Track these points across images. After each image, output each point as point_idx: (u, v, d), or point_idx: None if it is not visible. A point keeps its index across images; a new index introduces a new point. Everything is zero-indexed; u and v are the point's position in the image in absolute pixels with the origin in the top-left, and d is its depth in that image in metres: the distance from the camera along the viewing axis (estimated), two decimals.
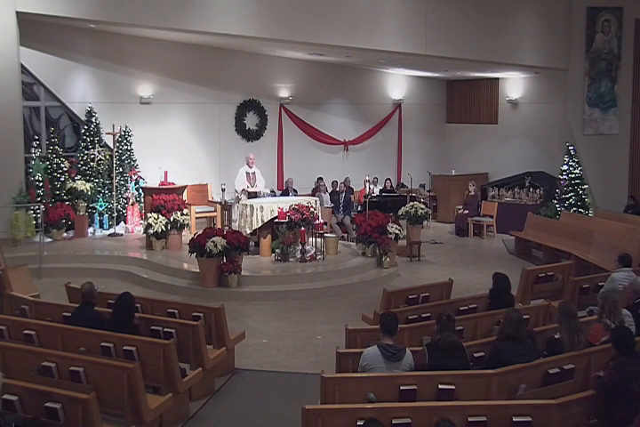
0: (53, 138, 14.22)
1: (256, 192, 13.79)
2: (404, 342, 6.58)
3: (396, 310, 7.66)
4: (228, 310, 8.31)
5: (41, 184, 13.75)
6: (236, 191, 13.80)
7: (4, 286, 8.88)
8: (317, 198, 14.04)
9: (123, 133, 14.84)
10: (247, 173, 13.79)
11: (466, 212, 16.57)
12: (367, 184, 16.22)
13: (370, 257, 12.71)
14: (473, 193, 16.85)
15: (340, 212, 15.90)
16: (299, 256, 12.21)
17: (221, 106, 16.54)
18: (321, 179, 16.77)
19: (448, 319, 5.91)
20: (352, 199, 16.45)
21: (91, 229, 14.45)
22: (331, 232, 14.70)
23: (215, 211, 14.99)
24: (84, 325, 6.81)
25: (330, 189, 16.53)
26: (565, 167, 16.20)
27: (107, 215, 14.64)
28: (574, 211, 15.65)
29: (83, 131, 14.77)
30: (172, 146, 15.70)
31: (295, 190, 15.92)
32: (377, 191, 16.88)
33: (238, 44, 15.19)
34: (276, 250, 12.36)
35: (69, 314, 7.30)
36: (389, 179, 17.95)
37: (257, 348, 8.76)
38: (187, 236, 13.00)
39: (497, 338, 6.19)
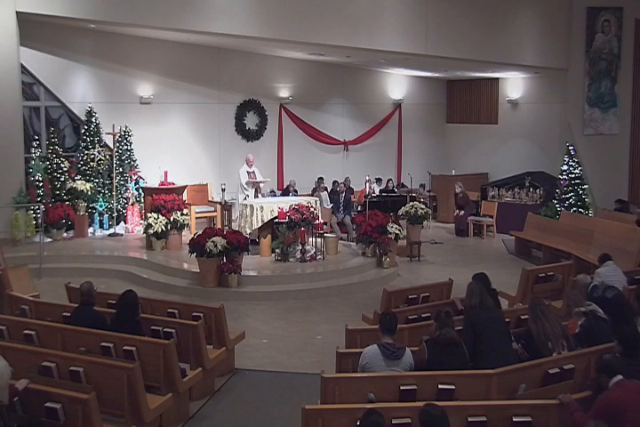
0: (53, 138, 14.21)
1: (261, 181, 13.95)
2: (404, 342, 6.58)
3: (396, 310, 7.65)
4: (228, 310, 8.31)
5: (41, 184, 13.75)
6: (244, 189, 13.75)
7: (4, 285, 8.88)
8: (317, 198, 14.05)
9: (123, 133, 14.85)
10: (248, 172, 13.88)
11: (462, 213, 16.46)
12: (367, 184, 16.19)
13: (370, 257, 12.71)
14: (461, 195, 16.59)
15: (340, 212, 15.89)
16: (299, 256, 12.22)
17: (221, 106, 16.55)
18: (321, 179, 16.76)
19: (446, 316, 6.03)
20: (352, 199, 16.44)
21: (91, 229, 14.45)
22: (331, 232, 14.70)
23: (215, 211, 15.00)
24: (84, 325, 6.81)
25: (330, 189, 16.49)
26: (565, 167, 16.19)
27: (107, 215, 14.64)
28: (574, 211, 15.64)
29: (83, 131, 14.78)
30: (172, 146, 15.70)
31: (295, 191, 15.92)
32: (377, 191, 16.88)
33: (238, 44, 15.19)
34: (276, 250, 12.36)
35: (69, 314, 7.30)
36: (391, 179, 18.01)
37: (257, 348, 8.76)
38: (187, 236, 13.01)
39: (465, 310, 6.72)
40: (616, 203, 15.26)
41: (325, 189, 16.29)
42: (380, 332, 5.88)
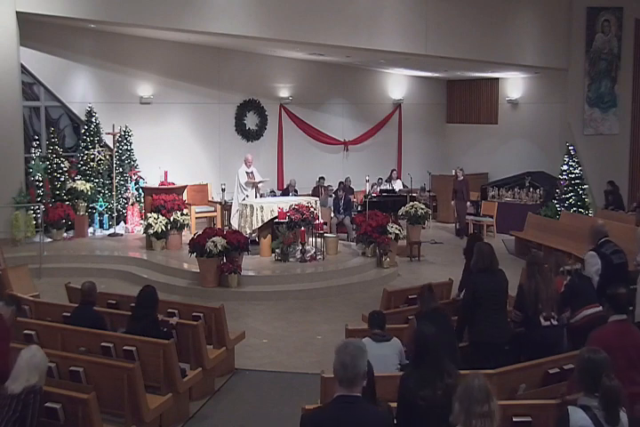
0: (53, 138, 14.21)
1: (260, 181, 13.93)
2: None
3: (396, 309, 7.66)
4: (228, 310, 8.31)
5: (41, 184, 13.75)
6: (244, 190, 13.74)
7: (4, 285, 8.88)
8: (317, 198, 14.03)
9: (123, 133, 14.85)
10: (246, 172, 13.89)
11: (468, 204, 16.17)
12: (368, 185, 16.14)
13: (370, 257, 12.71)
14: (462, 177, 16.19)
15: (340, 212, 15.88)
16: (299, 256, 12.22)
17: (221, 106, 16.54)
18: (322, 178, 16.73)
19: (429, 290, 6.28)
20: (352, 199, 16.41)
21: (91, 229, 14.45)
22: (331, 232, 14.71)
23: (215, 211, 15.00)
24: (83, 324, 6.80)
25: (334, 189, 16.42)
26: (565, 167, 16.20)
27: (107, 215, 14.64)
28: (574, 211, 15.65)
29: (83, 131, 14.78)
30: (172, 146, 15.69)
31: (296, 190, 15.92)
32: (378, 191, 16.86)
33: (238, 44, 15.19)
34: (276, 250, 12.36)
35: (69, 314, 7.30)
36: (399, 176, 18.02)
37: (257, 348, 8.77)
38: (187, 236, 13.01)
39: (471, 272, 6.61)
40: (608, 184, 15.29)
41: (331, 193, 16.17)
42: (370, 328, 6.08)
